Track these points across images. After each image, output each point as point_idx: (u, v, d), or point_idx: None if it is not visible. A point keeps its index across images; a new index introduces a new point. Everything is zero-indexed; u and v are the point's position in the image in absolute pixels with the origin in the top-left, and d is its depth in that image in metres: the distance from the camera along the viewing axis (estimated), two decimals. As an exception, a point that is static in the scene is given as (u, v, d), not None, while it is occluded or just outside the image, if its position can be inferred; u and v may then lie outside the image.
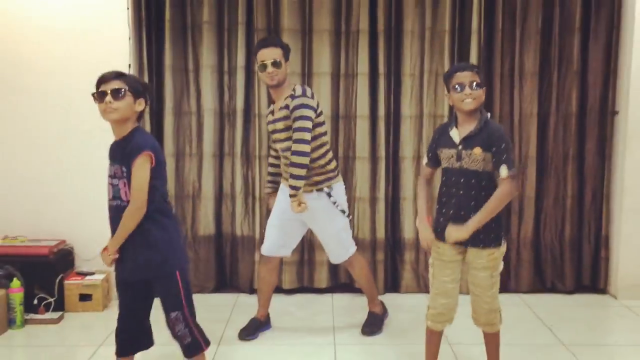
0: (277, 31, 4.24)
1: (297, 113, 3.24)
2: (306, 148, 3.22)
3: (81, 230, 4.18)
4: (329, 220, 3.46)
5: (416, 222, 2.93)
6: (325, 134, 3.42)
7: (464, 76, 2.67)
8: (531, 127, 4.32)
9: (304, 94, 3.29)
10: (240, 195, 4.33)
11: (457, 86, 2.67)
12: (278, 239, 3.53)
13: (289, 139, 3.32)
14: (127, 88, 2.50)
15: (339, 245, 3.56)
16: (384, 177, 4.30)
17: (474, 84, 2.66)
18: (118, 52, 4.09)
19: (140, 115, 2.62)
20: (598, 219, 4.42)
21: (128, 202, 2.49)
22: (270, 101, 3.56)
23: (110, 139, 4.01)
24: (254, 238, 4.31)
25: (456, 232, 2.68)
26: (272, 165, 3.66)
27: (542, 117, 4.37)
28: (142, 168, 2.47)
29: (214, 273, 4.40)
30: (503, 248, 2.77)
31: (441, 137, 2.79)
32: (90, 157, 4.13)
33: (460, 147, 2.70)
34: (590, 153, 4.38)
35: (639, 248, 4.29)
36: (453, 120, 2.78)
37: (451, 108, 4.16)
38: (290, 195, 3.25)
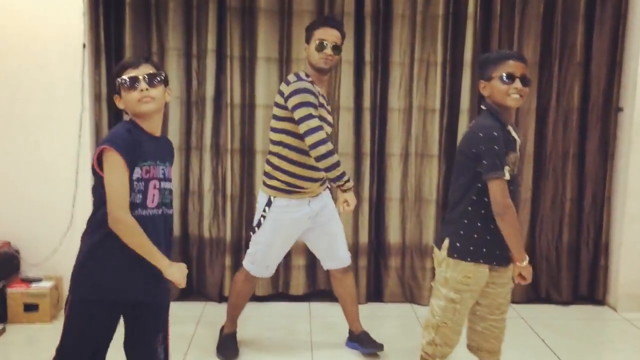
0: (252, 11, 3.83)
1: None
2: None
3: (28, 231, 3.74)
4: (337, 218, 3.22)
5: (523, 261, 2.33)
6: None
7: (516, 67, 2.29)
8: (529, 123, 4.00)
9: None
10: (209, 193, 3.92)
11: (505, 76, 2.27)
12: (275, 262, 3.19)
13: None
14: (160, 74, 2.11)
15: (345, 243, 3.27)
16: (368, 176, 3.96)
17: (525, 79, 2.29)
18: (71, 30, 3.67)
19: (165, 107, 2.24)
20: (598, 224, 4.12)
21: (171, 210, 2.18)
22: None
23: (59, 129, 3.68)
24: (224, 240, 3.92)
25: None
26: None
27: (540, 112, 4.05)
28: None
29: (179, 279, 3.98)
30: None
31: (505, 139, 2.28)
32: (39, 149, 3.71)
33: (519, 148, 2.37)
34: (591, 152, 4.08)
35: (641, 256, 4.01)
36: (495, 114, 2.31)
37: (450, 100, 3.93)
38: (345, 190, 2.93)
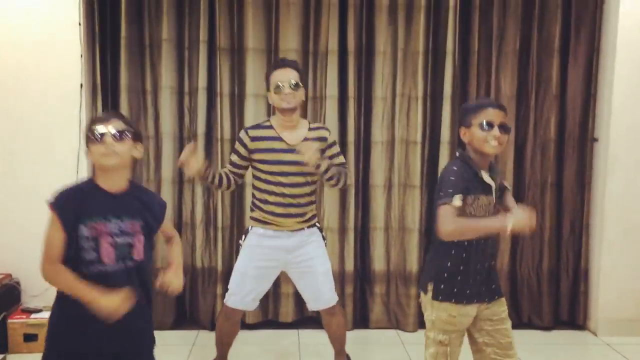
0: (241, 50, 4.02)
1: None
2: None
3: (28, 263, 3.84)
4: (322, 258, 3.18)
5: (510, 223, 2.19)
6: None
7: (495, 115, 2.33)
8: (507, 154, 4.15)
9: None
10: (201, 225, 4.08)
11: (485, 124, 2.31)
12: (252, 291, 3.14)
13: (312, 173, 3.04)
14: (129, 130, 2.16)
15: (331, 285, 3.21)
16: (353, 206, 4.10)
17: (504, 126, 2.34)
18: (69, 70, 3.87)
19: (135, 163, 2.29)
20: (577, 251, 4.25)
21: (142, 261, 2.18)
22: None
23: (57, 165, 3.88)
24: (215, 270, 4.07)
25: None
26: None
27: (519, 143, 4.21)
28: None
29: (173, 307, 4.14)
30: None
31: (471, 180, 2.33)
32: (38, 186, 3.85)
33: (498, 194, 2.42)
34: (569, 182, 4.22)
35: (620, 281, 4.14)
36: (470, 160, 2.36)
37: (430, 133, 4.07)
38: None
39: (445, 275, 2.38)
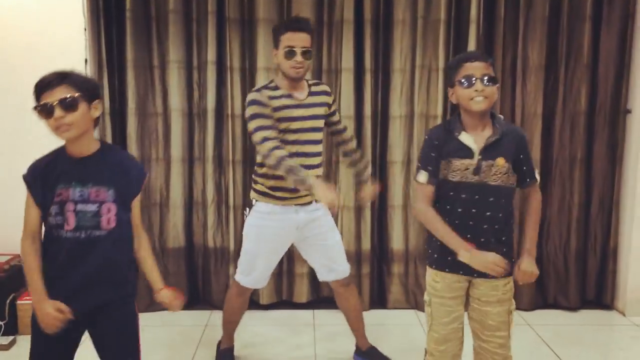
0: (252, 22, 3.87)
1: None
2: None
3: None
4: (332, 230, 3.13)
5: (462, 257, 2.24)
6: None
7: (474, 67, 2.20)
8: (535, 128, 3.97)
9: None
10: (213, 204, 4.01)
11: (463, 80, 2.20)
12: (265, 270, 3.12)
13: (321, 128, 3.01)
14: (78, 94, 2.00)
15: (344, 256, 3.17)
16: (370, 183, 3.95)
17: (487, 78, 2.20)
18: (73, 46, 3.76)
19: (97, 121, 2.14)
20: (606, 229, 4.11)
21: (109, 231, 2.10)
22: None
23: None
24: (228, 250, 4.01)
25: (531, 266, 2.27)
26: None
27: (547, 116, 4.02)
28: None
29: (185, 288, 4.10)
30: (512, 280, 2.40)
31: (446, 144, 2.28)
32: (45, 163, 3.82)
33: (480, 157, 2.26)
34: (599, 156, 4.06)
35: (651, 261, 3.99)
36: (457, 122, 2.29)
37: (452, 106, 3.91)
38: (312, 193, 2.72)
39: (433, 240, 2.38)
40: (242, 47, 3.89)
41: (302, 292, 4.10)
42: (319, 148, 2.99)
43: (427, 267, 2.45)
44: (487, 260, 2.21)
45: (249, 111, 2.82)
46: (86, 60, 3.76)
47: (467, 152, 2.27)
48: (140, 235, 2.28)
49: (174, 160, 3.97)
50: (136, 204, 2.22)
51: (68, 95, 1.98)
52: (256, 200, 3.01)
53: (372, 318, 3.88)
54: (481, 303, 2.37)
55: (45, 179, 2.07)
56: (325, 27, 3.90)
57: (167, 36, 3.88)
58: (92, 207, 2.08)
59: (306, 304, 4.13)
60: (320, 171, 3.01)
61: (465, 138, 2.27)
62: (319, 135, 2.99)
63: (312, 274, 4.05)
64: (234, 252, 3.99)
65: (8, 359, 3.45)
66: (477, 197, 2.27)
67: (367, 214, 4.01)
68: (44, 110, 2.00)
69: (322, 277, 3.23)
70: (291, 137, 2.89)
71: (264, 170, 2.94)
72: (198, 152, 4.01)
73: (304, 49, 2.84)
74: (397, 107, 3.97)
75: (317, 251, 3.14)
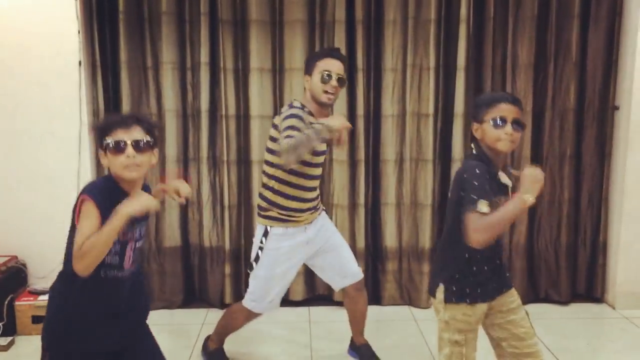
0: (244, 23, 3.92)
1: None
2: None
3: (34, 245, 3.94)
4: (338, 234, 3.21)
5: (528, 200, 2.05)
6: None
7: (509, 110, 2.20)
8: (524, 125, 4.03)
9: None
10: (208, 203, 4.06)
11: (498, 120, 2.19)
12: (278, 294, 3.10)
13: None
14: (151, 137, 2.04)
15: (353, 256, 3.23)
16: (363, 182, 4.05)
17: (517, 123, 2.20)
18: (67, 47, 3.82)
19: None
20: (595, 224, 4.20)
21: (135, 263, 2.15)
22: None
23: (60, 145, 3.85)
24: (223, 249, 4.07)
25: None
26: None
27: (536, 113, 4.10)
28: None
29: (182, 287, 4.16)
30: None
31: (491, 183, 2.21)
32: (41, 165, 3.90)
33: (511, 193, 2.25)
34: (588, 152, 4.14)
35: (639, 254, 4.07)
36: (487, 160, 2.25)
37: (442, 106, 3.98)
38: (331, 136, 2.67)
39: (457, 277, 2.31)
40: (235, 48, 3.94)
41: (297, 290, 4.16)
42: (319, 178, 3.05)
43: (454, 304, 2.31)
44: (535, 177, 2.09)
45: (288, 122, 2.71)
46: (80, 62, 3.80)
47: (504, 190, 2.27)
48: None
49: (169, 161, 4.03)
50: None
51: (145, 138, 2.02)
52: (271, 227, 2.98)
53: (368, 314, 3.93)
54: (503, 314, 2.38)
55: (109, 209, 1.93)
56: (318, 27, 3.95)
57: (160, 37, 3.93)
58: (142, 244, 2.16)
59: (302, 302, 4.19)
60: (317, 196, 3.07)
61: (502, 177, 2.28)
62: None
63: (307, 272, 4.13)
64: (230, 252, 4.06)
65: (7, 359, 3.50)
66: None
67: (361, 212, 4.07)
68: (117, 147, 1.99)
69: (337, 285, 3.24)
70: (303, 169, 2.91)
71: (278, 199, 2.94)
72: (193, 153, 4.06)
73: (339, 76, 2.88)
74: (389, 106, 4.03)
75: (329, 259, 3.15)
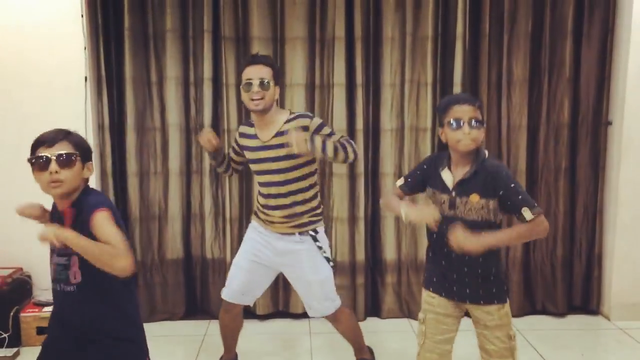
0: (246, 39, 4.05)
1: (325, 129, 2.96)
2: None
3: (39, 257, 3.91)
4: (313, 268, 3.06)
5: (403, 214, 2.35)
6: (317, 171, 3.13)
7: (462, 111, 2.31)
8: (520, 139, 4.18)
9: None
10: (210, 216, 4.17)
11: (452, 122, 2.31)
12: (242, 285, 3.16)
13: (290, 168, 2.96)
14: (77, 153, 2.04)
15: (323, 297, 3.12)
16: (363, 195, 4.16)
17: (474, 121, 2.30)
18: (73, 63, 3.93)
19: (86, 182, 2.15)
20: (591, 236, 4.31)
21: (77, 285, 2.05)
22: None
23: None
24: (225, 261, 4.16)
25: (465, 237, 2.24)
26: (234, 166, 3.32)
27: (532, 128, 4.23)
28: (107, 222, 1.97)
29: (184, 298, 4.25)
30: (507, 306, 2.47)
31: (432, 175, 2.45)
32: (46, 179, 3.95)
33: (453, 193, 2.38)
34: (582, 166, 4.26)
35: (634, 266, 4.21)
36: (445, 157, 2.44)
37: (439, 121, 4.07)
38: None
39: (428, 264, 2.59)
40: (237, 64, 4.05)
41: (298, 302, 4.21)
42: (290, 188, 3.01)
43: (423, 288, 2.59)
44: (423, 212, 2.34)
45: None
46: (86, 78, 3.92)
47: (443, 186, 2.41)
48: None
49: (172, 174, 4.14)
50: (100, 230, 1.98)
51: (68, 151, 2.03)
52: (252, 219, 3.22)
53: (367, 327, 3.99)
54: (479, 327, 2.46)
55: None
56: (318, 44, 4.09)
57: (164, 53, 4.06)
58: (62, 261, 2.07)
59: (302, 314, 4.24)
60: (297, 212, 3.02)
61: (445, 174, 2.41)
62: (287, 176, 3.00)
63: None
64: (230, 264, 4.10)
65: (12, 370, 3.58)
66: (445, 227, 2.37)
67: (361, 225, 4.17)
68: (39, 163, 2.01)
69: (308, 311, 3.26)
70: (259, 177, 3.11)
71: (259, 190, 3.12)
72: (195, 166, 4.18)
73: (261, 80, 2.90)
74: (387, 121, 4.15)
75: (295, 286, 3.20)
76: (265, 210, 3.08)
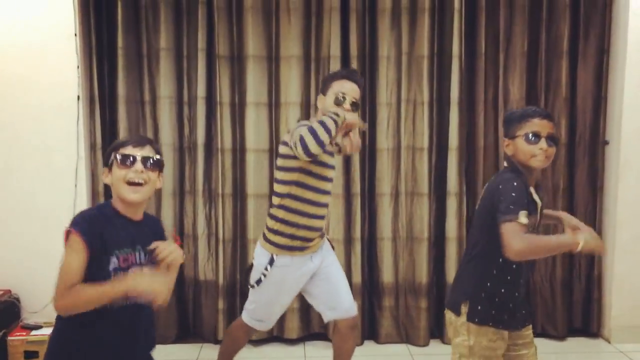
0: (240, 57, 4.09)
1: None
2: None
3: (27, 279, 3.99)
4: (339, 265, 3.23)
5: (582, 242, 2.10)
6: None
7: (542, 125, 2.22)
8: (517, 159, 4.18)
9: None
10: (203, 237, 4.16)
11: (530, 135, 2.21)
12: (279, 314, 3.22)
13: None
14: (160, 158, 2.08)
15: (350, 292, 3.21)
16: (359, 216, 4.16)
17: (552, 139, 2.22)
18: (66, 82, 3.95)
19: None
20: (590, 258, 4.32)
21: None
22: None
23: (55, 179, 3.95)
24: (217, 283, 4.13)
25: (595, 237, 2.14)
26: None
27: (529, 147, 4.23)
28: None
29: (176, 321, 4.21)
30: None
31: (527, 198, 2.21)
32: (37, 198, 3.98)
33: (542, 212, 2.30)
34: (580, 186, 4.29)
35: (634, 288, 4.22)
36: (522, 174, 2.24)
37: (436, 140, 4.13)
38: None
39: (483, 295, 2.28)
40: (232, 82, 4.10)
41: (293, 327, 4.20)
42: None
43: (477, 326, 2.28)
44: (595, 237, 2.15)
45: (299, 131, 2.76)
46: (78, 96, 3.93)
47: (534, 208, 2.26)
48: None
49: (165, 194, 4.14)
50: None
51: (155, 156, 2.07)
52: (277, 255, 2.97)
53: (364, 352, 4.03)
54: (518, 347, 2.35)
55: (103, 236, 1.96)
56: (313, 62, 4.13)
57: (158, 72, 4.09)
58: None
59: (297, 340, 4.23)
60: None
61: (534, 194, 2.27)
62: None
63: (303, 309, 4.18)
64: (224, 286, 4.12)
65: (-2, 395, 3.53)
66: None
67: (357, 246, 4.17)
68: (125, 160, 2.01)
69: (325, 316, 3.20)
70: (316, 196, 2.98)
71: (277, 225, 2.97)
72: (189, 186, 4.18)
73: (353, 100, 2.91)
74: (384, 140, 4.17)
75: (320, 286, 3.13)
76: (308, 230, 2.96)
